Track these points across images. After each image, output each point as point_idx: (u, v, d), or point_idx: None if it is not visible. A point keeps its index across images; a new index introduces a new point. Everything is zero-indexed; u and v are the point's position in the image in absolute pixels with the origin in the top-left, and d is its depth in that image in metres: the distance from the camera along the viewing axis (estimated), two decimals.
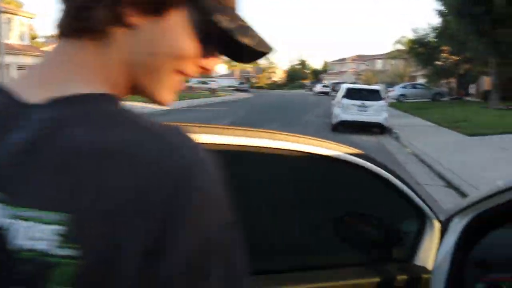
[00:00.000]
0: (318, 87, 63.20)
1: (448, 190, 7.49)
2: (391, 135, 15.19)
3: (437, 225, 1.64)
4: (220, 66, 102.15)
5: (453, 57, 32.27)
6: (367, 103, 15.31)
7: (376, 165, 1.52)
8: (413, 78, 51.51)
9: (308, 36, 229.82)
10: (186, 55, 0.63)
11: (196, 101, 36.60)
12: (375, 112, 15.36)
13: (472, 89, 38.49)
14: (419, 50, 35.62)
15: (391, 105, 16.42)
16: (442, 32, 28.67)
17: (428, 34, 33.67)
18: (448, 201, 6.48)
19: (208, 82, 64.21)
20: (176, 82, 0.67)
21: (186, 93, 49.68)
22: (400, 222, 1.71)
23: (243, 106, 30.82)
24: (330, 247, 1.62)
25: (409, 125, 17.69)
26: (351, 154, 1.46)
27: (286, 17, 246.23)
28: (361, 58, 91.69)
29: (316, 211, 1.59)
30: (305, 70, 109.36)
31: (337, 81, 65.71)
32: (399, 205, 1.63)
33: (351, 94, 15.49)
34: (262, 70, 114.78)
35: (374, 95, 15.77)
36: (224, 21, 0.62)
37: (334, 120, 15.82)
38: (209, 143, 1.18)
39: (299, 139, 1.45)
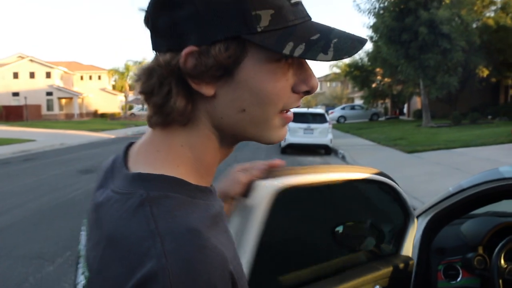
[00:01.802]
0: None
1: None
2: (337, 155, 16.09)
3: (416, 223, 1.90)
4: None
5: (387, 79, 34.04)
6: (313, 126, 16.12)
7: (388, 178, 1.79)
8: (350, 99, 53.58)
9: None
10: (278, 95, 0.62)
11: (142, 129, 36.09)
12: (321, 134, 16.21)
13: (405, 108, 40.70)
14: (355, 73, 37.27)
15: (333, 126, 17.35)
16: (375, 57, 30.36)
17: (363, 58, 35.31)
18: None
19: None
20: (282, 121, 0.66)
21: (131, 121, 49.26)
22: (393, 221, 1.93)
23: None
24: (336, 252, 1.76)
25: (352, 144, 18.71)
26: (375, 174, 1.73)
27: None
28: None
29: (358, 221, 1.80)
30: None
31: None
32: (397, 207, 1.86)
33: (297, 118, 16.26)
34: None
35: (319, 118, 16.62)
36: (294, 49, 0.58)
37: (282, 143, 16.45)
38: (308, 183, 1.38)
39: (347, 168, 1.74)
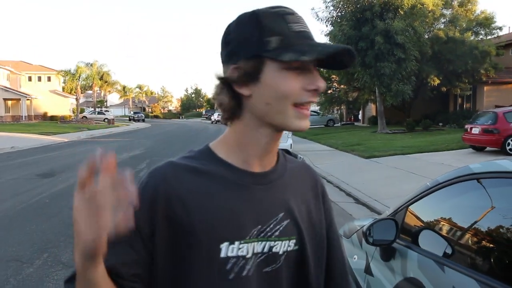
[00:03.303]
0: (216, 116, 64.27)
1: (358, 206, 8.57)
2: (296, 159, 16.34)
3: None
4: (113, 95, 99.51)
5: (343, 86, 34.81)
6: None
7: None
8: None
9: (203, 64, 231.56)
10: (290, 92, 0.90)
11: (96, 132, 35.57)
12: (281, 139, 16.42)
13: (360, 115, 41.79)
14: None
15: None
16: None
17: None
18: (360, 214, 7.50)
19: (104, 112, 62.33)
20: (299, 112, 0.93)
21: (83, 124, 48.04)
22: None
23: (145, 137, 30.61)
24: None
25: (310, 149, 19.10)
26: None
27: (179, 46, 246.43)
28: None
29: None
30: (200, 99, 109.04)
31: None
32: None
33: None
34: (157, 99, 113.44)
35: None
36: (287, 56, 0.88)
37: None
38: None
39: None
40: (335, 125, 38.85)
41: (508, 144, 13.65)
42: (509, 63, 29.92)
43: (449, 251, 2.11)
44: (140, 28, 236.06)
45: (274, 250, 0.97)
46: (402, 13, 24.09)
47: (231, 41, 0.94)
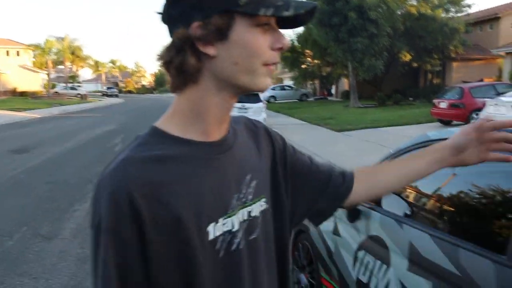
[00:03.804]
0: None
1: None
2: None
3: None
4: (86, 70, 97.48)
5: (316, 61, 34.95)
6: (247, 105, 16.41)
7: None
8: (280, 80, 54.43)
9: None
10: (261, 49, 0.84)
11: (69, 108, 34.88)
12: (255, 113, 16.52)
13: (333, 89, 42.11)
14: (285, 54, 37.97)
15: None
16: (306, 39, 31.11)
17: (293, 40, 35.87)
18: None
19: (76, 88, 60.95)
20: (267, 71, 0.87)
21: (55, 99, 47.03)
22: None
23: (119, 112, 30.22)
24: None
25: (284, 123, 19.29)
26: None
27: (149, 21, 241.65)
28: None
29: None
30: None
31: None
32: None
33: None
34: (130, 74, 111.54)
35: (253, 97, 16.93)
36: (266, 11, 0.81)
37: None
38: None
39: None
40: (308, 99, 39.09)
41: (472, 117, 14.15)
42: (477, 40, 30.60)
43: (408, 211, 2.34)
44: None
45: (252, 214, 0.95)
46: None
47: None
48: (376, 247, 2.37)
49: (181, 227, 0.81)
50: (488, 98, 13.82)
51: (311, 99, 39.53)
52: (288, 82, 47.60)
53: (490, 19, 30.85)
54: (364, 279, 2.42)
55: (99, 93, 74.81)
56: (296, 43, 35.61)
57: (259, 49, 0.83)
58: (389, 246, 2.26)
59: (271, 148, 1.07)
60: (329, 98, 40.59)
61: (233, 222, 0.90)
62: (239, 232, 0.91)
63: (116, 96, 68.83)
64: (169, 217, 0.80)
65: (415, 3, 28.40)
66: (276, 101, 37.46)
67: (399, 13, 26.74)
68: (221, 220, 0.87)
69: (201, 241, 0.84)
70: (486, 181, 1.99)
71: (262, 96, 17.59)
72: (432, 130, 2.53)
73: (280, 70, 52.47)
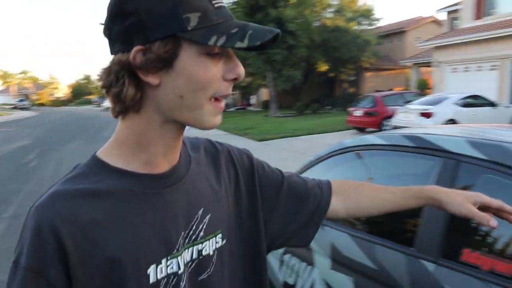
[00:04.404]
0: (107, 103, 61.77)
1: None
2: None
3: None
4: None
5: None
6: None
7: None
8: None
9: (92, 49, 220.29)
10: (209, 82, 0.74)
11: None
12: None
13: (253, 99, 42.66)
14: None
15: None
16: None
17: None
18: None
19: None
20: (216, 107, 0.78)
21: None
22: None
23: (32, 126, 28.72)
24: None
25: (205, 134, 19.14)
26: None
27: (69, 30, 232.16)
28: None
29: None
30: (91, 85, 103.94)
31: None
32: None
33: None
34: (43, 86, 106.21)
35: None
36: (217, 41, 0.71)
37: None
38: None
39: None
40: (229, 110, 39.31)
41: (383, 124, 14.93)
42: (388, 51, 32.60)
43: None
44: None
45: (204, 253, 0.86)
46: (293, 1, 24.97)
47: (134, 13, 0.72)
48: (300, 249, 2.43)
49: (116, 269, 0.74)
50: (398, 106, 14.69)
51: (232, 109, 39.79)
52: None
53: (398, 32, 32.95)
54: (290, 281, 2.48)
55: (9, 106, 70.52)
56: None
57: (207, 82, 0.74)
58: (313, 247, 2.33)
59: (233, 170, 1.00)
60: (249, 108, 41.07)
61: (179, 262, 0.81)
62: (186, 274, 0.83)
63: (28, 109, 65.27)
64: (102, 259, 0.73)
65: (330, 15, 29.62)
66: None
67: (316, 25, 27.72)
68: (164, 261, 0.79)
69: (140, 285, 0.76)
70: (398, 183, 2.12)
71: None
72: (347, 138, 2.67)
73: None
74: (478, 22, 19.43)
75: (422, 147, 2.03)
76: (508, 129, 2.24)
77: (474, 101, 13.92)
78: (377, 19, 30.40)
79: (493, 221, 0.95)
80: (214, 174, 0.95)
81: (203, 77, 0.74)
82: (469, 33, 18.75)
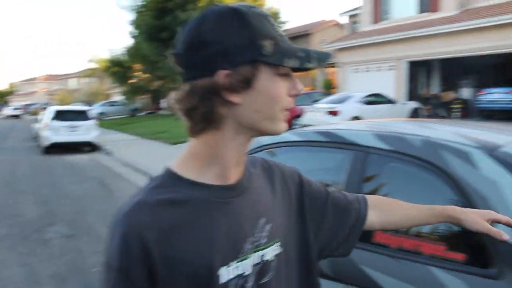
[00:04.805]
0: (8, 110, 57.94)
1: None
2: (102, 151, 15.93)
3: None
4: None
5: (146, 75, 34.55)
6: (77, 123, 15.56)
7: None
8: (109, 96, 52.43)
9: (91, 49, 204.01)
10: (281, 97, 0.88)
11: None
12: (85, 131, 15.77)
13: (163, 103, 41.94)
14: (114, 69, 36.85)
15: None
16: (135, 53, 30.62)
17: (124, 54, 35.00)
18: None
19: None
20: (284, 116, 0.91)
21: None
22: None
23: None
24: None
25: (117, 140, 18.68)
26: None
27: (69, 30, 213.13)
28: (53, 77, 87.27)
29: None
30: None
31: (28, 102, 61.73)
32: None
33: (60, 116, 15.49)
34: None
35: (82, 115, 16.11)
36: (291, 62, 0.86)
37: (45, 143, 15.49)
38: None
39: None
40: (139, 114, 38.42)
41: (293, 123, 15.48)
42: None
43: None
44: None
45: (265, 258, 0.95)
46: (201, 4, 24.95)
47: (213, 43, 0.83)
48: None
49: (192, 269, 0.83)
50: (306, 105, 15.27)
51: (142, 113, 38.91)
52: (116, 98, 46.13)
53: (304, 35, 34.10)
54: None
55: None
56: (125, 58, 34.81)
57: (279, 97, 0.87)
58: None
59: (285, 186, 1.09)
60: (160, 112, 40.39)
61: (245, 266, 0.90)
62: (251, 276, 0.91)
63: None
64: (181, 260, 0.83)
65: None
66: (106, 118, 36.00)
67: None
68: (233, 264, 0.88)
69: (212, 285, 0.85)
70: (315, 177, 2.27)
71: (91, 113, 16.81)
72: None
73: (108, 86, 50.66)
74: (376, 26, 20.77)
75: (335, 142, 2.20)
76: (406, 123, 2.49)
77: (376, 99, 14.90)
78: (283, 22, 31.27)
79: (504, 235, 1.10)
80: (270, 188, 1.05)
81: (278, 93, 0.87)
82: (368, 36, 20.00)
